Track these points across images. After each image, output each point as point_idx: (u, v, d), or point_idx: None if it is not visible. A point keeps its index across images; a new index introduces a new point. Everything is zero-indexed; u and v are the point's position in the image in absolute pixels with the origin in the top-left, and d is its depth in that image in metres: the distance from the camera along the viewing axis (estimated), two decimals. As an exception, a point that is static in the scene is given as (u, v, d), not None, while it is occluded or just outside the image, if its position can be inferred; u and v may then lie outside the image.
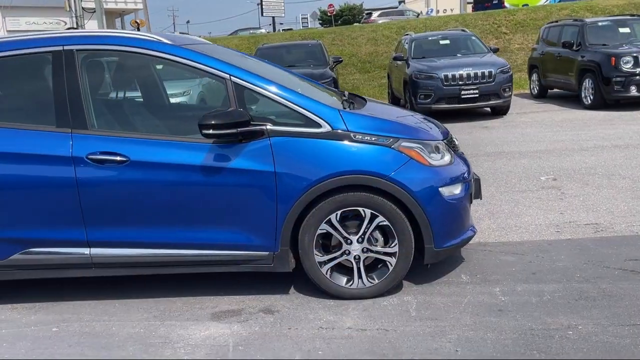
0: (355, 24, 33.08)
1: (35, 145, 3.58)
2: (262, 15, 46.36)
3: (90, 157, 3.53)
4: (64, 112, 3.60)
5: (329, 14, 39.25)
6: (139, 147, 3.56)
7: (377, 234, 3.65)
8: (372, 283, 3.67)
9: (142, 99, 4.30)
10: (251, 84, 3.61)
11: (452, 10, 49.72)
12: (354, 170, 3.52)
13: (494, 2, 28.76)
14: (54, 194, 3.59)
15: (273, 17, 45.03)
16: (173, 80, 6.23)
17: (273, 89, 3.63)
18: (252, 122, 3.50)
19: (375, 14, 36.17)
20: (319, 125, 3.58)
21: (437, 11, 45.28)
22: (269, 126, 3.55)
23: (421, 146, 3.66)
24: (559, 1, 26.86)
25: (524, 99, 14.23)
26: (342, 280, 3.69)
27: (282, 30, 40.75)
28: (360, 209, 3.57)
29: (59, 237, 3.66)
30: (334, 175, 3.50)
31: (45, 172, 3.58)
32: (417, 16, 33.05)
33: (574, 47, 12.50)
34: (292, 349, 3.18)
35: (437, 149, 3.74)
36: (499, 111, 11.74)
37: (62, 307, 3.89)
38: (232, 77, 3.60)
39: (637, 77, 11.08)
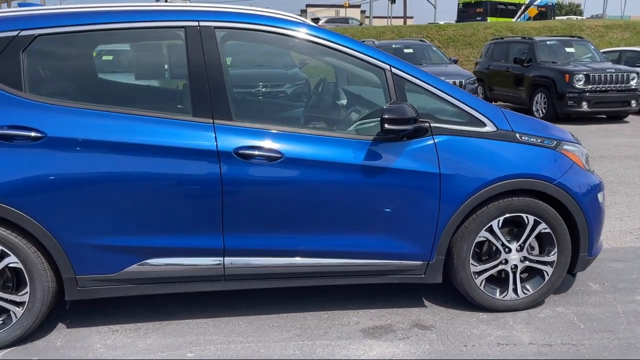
0: None
1: (167, 136, 2.98)
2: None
3: (239, 152, 3.02)
4: (203, 99, 3.04)
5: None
6: (292, 143, 3.10)
7: (534, 242, 3.46)
8: (526, 294, 3.47)
9: (286, 88, 3.79)
10: (412, 76, 3.28)
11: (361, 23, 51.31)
12: (522, 174, 3.30)
13: (477, 19, 30.94)
14: (192, 193, 3.03)
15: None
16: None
17: (435, 83, 3.33)
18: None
19: (322, 20, 37.15)
20: (483, 125, 3.33)
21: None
22: (433, 124, 3.25)
23: (578, 149, 3.53)
24: (526, 19, 31.66)
25: (471, 110, 14.70)
26: (496, 291, 3.45)
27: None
28: (523, 215, 3.36)
29: (190, 245, 3.09)
30: (503, 178, 3.26)
31: (182, 168, 3.00)
32: (361, 25, 35.89)
33: (525, 64, 13.14)
34: (489, 368, 2.90)
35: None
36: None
37: (174, 327, 3.30)
38: (392, 67, 3.25)
39: (587, 93, 11.86)
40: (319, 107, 3.85)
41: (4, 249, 2.94)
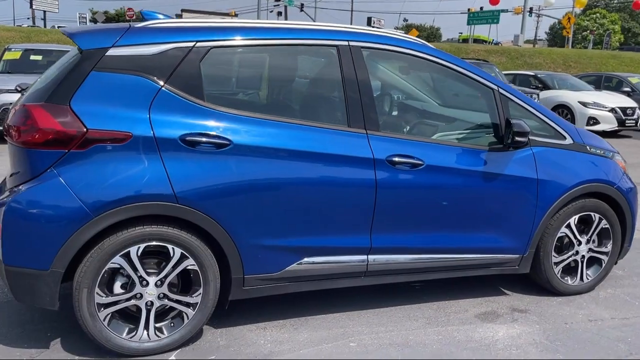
0: None
1: (330, 144, 3.26)
2: (30, 7, 41.58)
3: (391, 159, 3.37)
4: (356, 111, 3.35)
5: (128, 18, 37.26)
6: (431, 151, 3.51)
7: (594, 235, 4.17)
8: (588, 279, 4.16)
9: (414, 102, 4.11)
10: (514, 95, 3.83)
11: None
12: (595, 179, 3.99)
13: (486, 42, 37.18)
14: (350, 197, 3.31)
15: (44, 11, 40.83)
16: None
17: (529, 102, 3.91)
18: (522, 133, 3.73)
19: None
20: (564, 138, 3.97)
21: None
22: (530, 136, 3.83)
23: (622, 159, 4.30)
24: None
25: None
26: (568, 278, 4.11)
27: (58, 27, 37.15)
28: (591, 213, 4.05)
29: (343, 244, 3.37)
30: (583, 182, 3.93)
31: (343, 174, 3.28)
32: None
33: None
34: (600, 338, 3.51)
35: (621, 164, 4.43)
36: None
37: (315, 322, 3.53)
38: (499, 88, 3.78)
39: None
40: (441, 117, 4.25)
41: (184, 252, 3.03)
